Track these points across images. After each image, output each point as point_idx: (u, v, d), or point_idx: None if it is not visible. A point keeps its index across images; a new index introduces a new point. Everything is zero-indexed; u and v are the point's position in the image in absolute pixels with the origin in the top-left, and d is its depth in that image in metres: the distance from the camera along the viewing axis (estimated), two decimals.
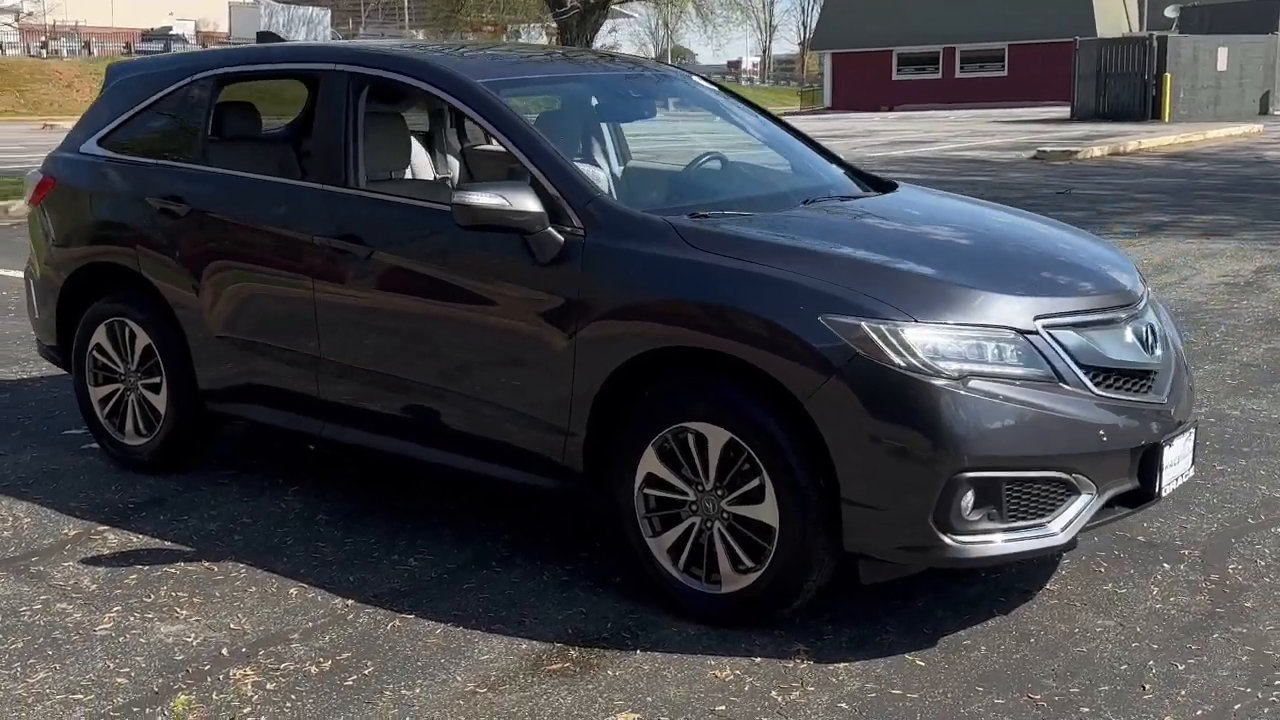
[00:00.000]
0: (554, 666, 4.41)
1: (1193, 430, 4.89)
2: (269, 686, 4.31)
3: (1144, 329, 4.77)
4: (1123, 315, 4.73)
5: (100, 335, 6.42)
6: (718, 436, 4.58)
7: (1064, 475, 4.42)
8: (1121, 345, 4.67)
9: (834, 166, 6.21)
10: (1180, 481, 4.84)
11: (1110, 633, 4.67)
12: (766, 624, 4.66)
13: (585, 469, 4.93)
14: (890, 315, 4.34)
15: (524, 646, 4.56)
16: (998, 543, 4.39)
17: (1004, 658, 4.48)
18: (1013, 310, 4.47)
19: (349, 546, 5.48)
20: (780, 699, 4.19)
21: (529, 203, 4.84)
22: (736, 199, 5.54)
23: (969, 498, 4.31)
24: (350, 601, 4.95)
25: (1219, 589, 5.02)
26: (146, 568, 5.28)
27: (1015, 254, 5.08)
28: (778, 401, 4.44)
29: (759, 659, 4.46)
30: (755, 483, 4.53)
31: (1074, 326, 4.55)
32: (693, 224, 4.86)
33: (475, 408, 5.18)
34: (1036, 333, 4.45)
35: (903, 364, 4.26)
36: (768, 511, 4.52)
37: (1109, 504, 4.62)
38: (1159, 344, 4.85)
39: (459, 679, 4.34)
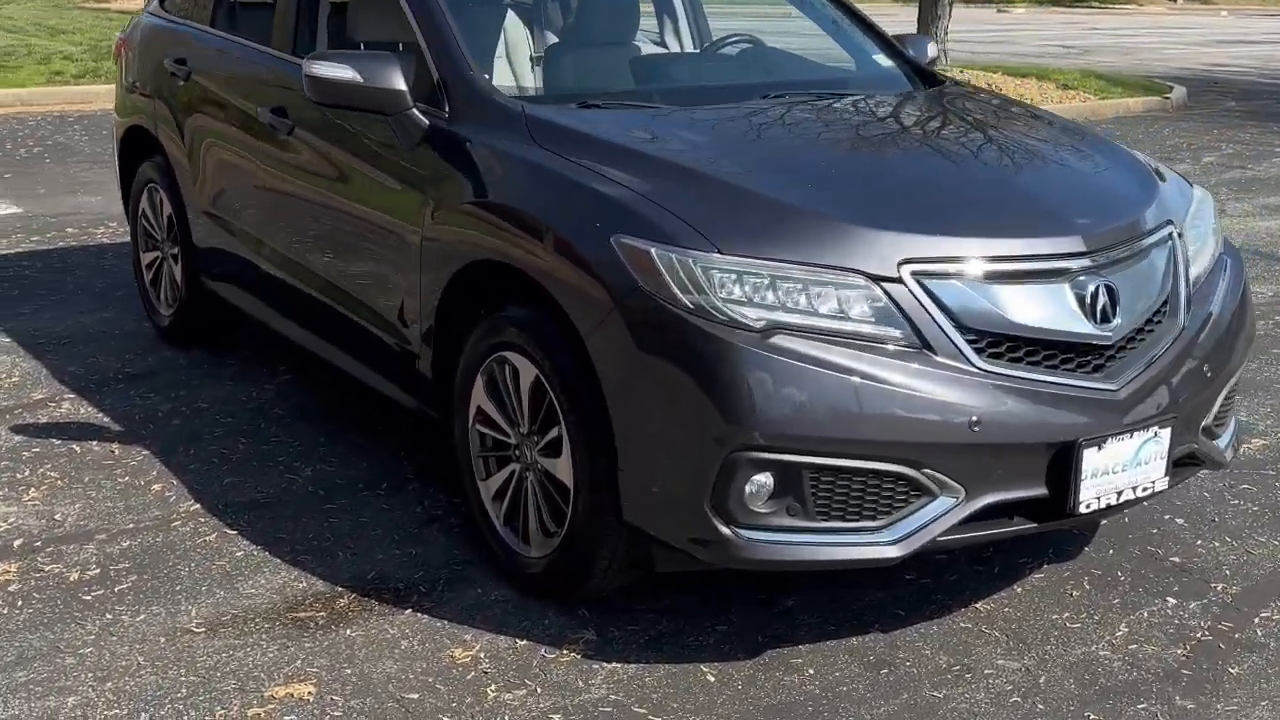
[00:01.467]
0: (302, 614, 3.85)
1: (1169, 430, 3.63)
2: (12, 588, 3.98)
3: (1098, 288, 3.55)
4: (1066, 267, 3.55)
5: (143, 201, 6.27)
6: (527, 372, 3.82)
7: (907, 470, 3.37)
8: (1048, 307, 3.50)
9: (887, 60, 5.12)
10: (1132, 497, 3.63)
11: (998, 679, 3.60)
12: (570, 600, 3.88)
13: (434, 393, 4.27)
14: (687, 241, 3.41)
15: (301, 585, 4.02)
16: (801, 546, 3.41)
17: (825, 687, 3.53)
18: (867, 249, 3.42)
19: (266, 447, 5.08)
20: (493, 696, 3.46)
21: (388, 79, 4.16)
22: (677, 88, 4.64)
23: (759, 483, 3.36)
24: (195, 507, 4.55)
25: (1210, 646, 3.78)
26: (56, 443, 5.08)
27: (942, 179, 3.94)
28: (575, 337, 3.62)
29: (522, 643, 3.71)
30: (555, 433, 3.74)
31: (964, 277, 3.44)
32: (543, 114, 4.04)
33: (355, 307, 4.62)
34: (899, 281, 3.38)
35: (690, 305, 3.34)
36: (564, 468, 3.73)
37: (1003, 512, 3.50)
38: (1122, 311, 3.60)
39: (192, 613, 3.86)
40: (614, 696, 3.46)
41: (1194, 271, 3.95)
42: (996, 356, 3.44)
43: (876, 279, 3.38)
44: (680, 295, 3.35)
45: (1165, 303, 3.77)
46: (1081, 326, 3.51)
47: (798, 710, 3.43)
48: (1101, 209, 3.79)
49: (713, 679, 3.56)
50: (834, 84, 4.81)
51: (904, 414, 3.33)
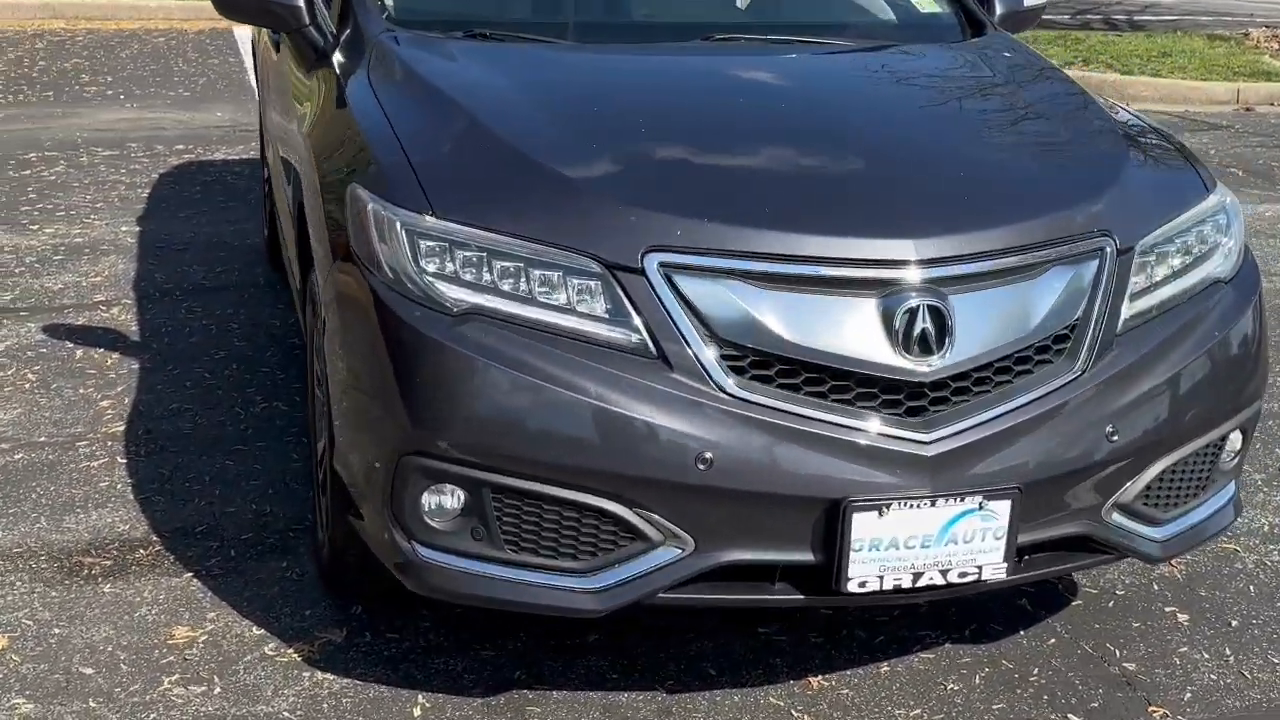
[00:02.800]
0: (86, 560, 3.62)
1: (1007, 504, 2.76)
2: None
3: (917, 309, 2.72)
4: (878, 277, 2.74)
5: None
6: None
7: (616, 508, 2.71)
8: (842, 327, 2.72)
9: (940, 6, 4.23)
10: (942, 582, 2.80)
11: None
12: (353, 593, 3.44)
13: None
14: (405, 199, 2.86)
15: (121, 529, 3.80)
16: (487, 579, 2.82)
17: None
18: (610, 230, 2.75)
19: (249, 377, 4.91)
20: (164, 689, 3.09)
21: None
22: (599, 22, 4.00)
23: (440, 497, 2.80)
24: (117, 430, 4.41)
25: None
26: (63, 346, 5.09)
27: (795, 157, 3.14)
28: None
29: (260, 632, 3.33)
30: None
31: (731, 278, 2.71)
32: (390, 44, 3.54)
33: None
34: (640, 272, 2.71)
35: (390, 274, 2.81)
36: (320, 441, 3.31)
37: (762, 574, 2.79)
38: (958, 342, 2.75)
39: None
40: (286, 714, 3.00)
41: (1147, 301, 2.99)
42: (763, 380, 2.70)
43: (613, 267, 2.71)
44: (383, 262, 2.81)
45: (1057, 339, 2.86)
46: (883, 355, 2.71)
47: None
48: (971, 210, 2.91)
49: (417, 714, 3.02)
50: (819, 29, 3.99)
51: (614, 439, 2.67)
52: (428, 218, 2.78)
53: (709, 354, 2.68)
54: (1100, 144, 3.31)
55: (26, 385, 4.69)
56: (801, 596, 2.79)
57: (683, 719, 3.02)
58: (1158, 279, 3.02)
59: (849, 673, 3.20)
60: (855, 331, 2.70)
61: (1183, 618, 3.50)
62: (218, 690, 3.07)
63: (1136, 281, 2.98)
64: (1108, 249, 2.93)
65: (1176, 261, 3.07)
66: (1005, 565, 2.80)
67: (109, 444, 4.26)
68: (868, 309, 2.71)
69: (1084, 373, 2.85)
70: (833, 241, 2.74)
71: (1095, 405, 2.84)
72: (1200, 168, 3.30)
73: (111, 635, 3.26)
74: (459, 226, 2.77)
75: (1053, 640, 3.37)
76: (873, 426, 2.70)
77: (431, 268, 2.75)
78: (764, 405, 2.68)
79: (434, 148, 3.00)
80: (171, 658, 3.18)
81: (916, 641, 3.34)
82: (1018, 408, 2.78)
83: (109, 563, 3.58)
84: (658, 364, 2.68)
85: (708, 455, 2.65)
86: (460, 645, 3.25)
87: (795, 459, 2.67)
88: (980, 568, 2.78)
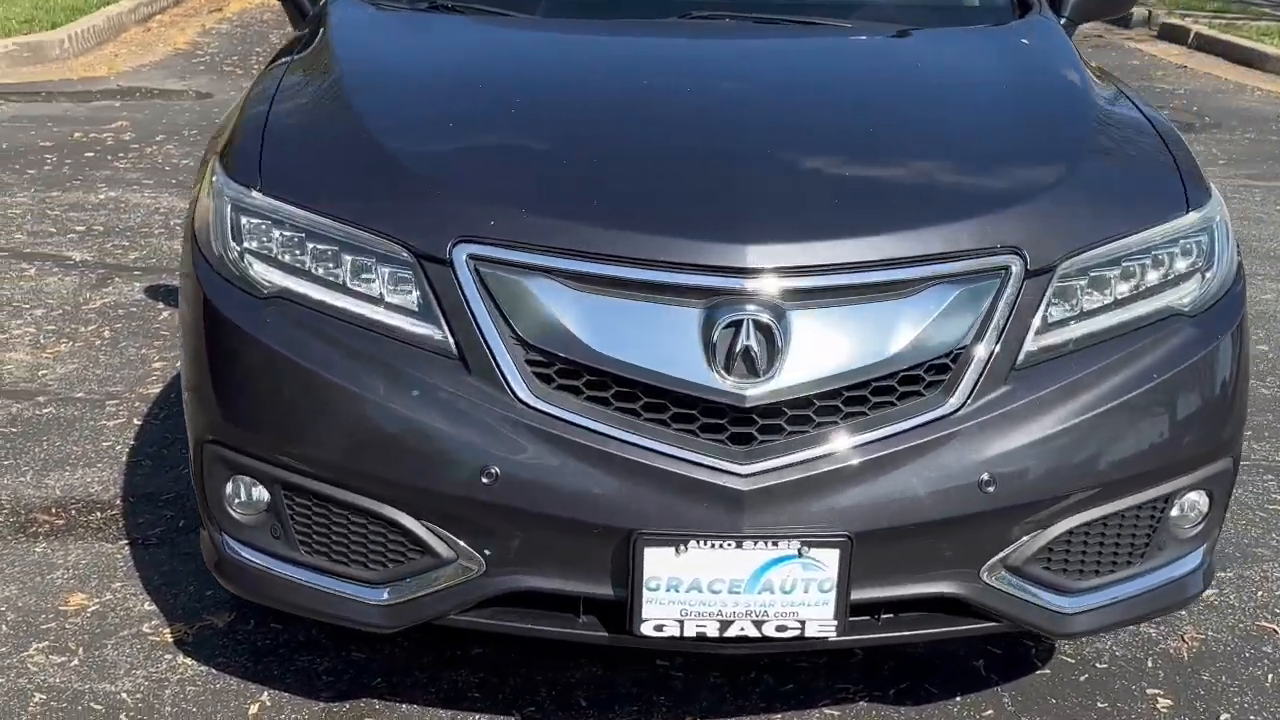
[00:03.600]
0: (35, 519, 3.64)
1: (836, 553, 2.40)
2: None
3: (743, 325, 2.38)
4: (707, 286, 2.41)
5: None
6: None
7: (402, 518, 2.51)
8: (661, 339, 2.42)
9: None
10: (757, 634, 2.46)
11: None
12: None
13: None
14: (239, 173, 2.73)
15: (86, 490, 3.82)
16: (286, 581, 2.67)
17: None
18: (424, 216, 2.54)
19: None
20: (28, 655, 3.07)
21: None
22: None
23: (244, 489, 2.66)
24: (142, 392, 4.47)
25: None
26: (155, 308, 5.19)
27: (682, 151, 2.79)
28: None
29: (149, 608, 3.28)
30: None
31: (545, 276, 2.45)
32: (340, 13, 3.40)
33: None
34: (447, 264, 2.49)
35: (216, 251, 2.70)
36: None
37: (568, 605, 2.54)
38: (791, 365, 2.40)
39: None
40: (124, 697, 2.93)
41: (1065, 333, 2.55)
42: (572, 392, 2.43)
43: (422, 257, 2.49)
44: (211, 238, 2.69)
45: (933, 368, 2.47)
46: (697, 374, 2.39)
47: None
48: (832, 216, 2.52)
49: (253, 711, 2.90)
50: (841, 8, 3.60)
51: (400, 445, 2.46)
52: (254, 193, 2.63)
53: (510, 359, 2.42)
54: (1047, 148, 2.83)
55: (98, 342, 4.80)
56: (606, 635, 2.50)
57: None
58: (1088, 307, 2.57)
59: None
60: (671, 345, 2.39)
61: (1164, 704, 3.01)
62: (75, 663, 3.02)
63: (1055, 309, 2.54)
64: (1013, 268, 2.50)
65: (1123, 287, 2.60)
66: (835, 623, 2.43)
67: (136, 405, 4.30)
68: (689, 321, 2.39)
69: (959, 410, 2.44)
70: (657, 242, 2.43)
71: (968, 449, 2.43)
72: (1191, 181, 2.79)
73: (13, 595, 3.26)
74: (280, 204, 2.60)
75: (990, 712, 2.95)
76: (679, 452, 2.38)
77: (253, 245, 2.60)
78: (561, 419, 2.40)
79: (291, 125, 2.85)
80: (53, 625, 3.16)
81: (830, 695, 2.99)
82: (863, 444, 2.41)
83: (60, 522, 3.60)
84: (457, 366, 2.45)
85: (494, 469, 2.40)
86: (337, 644, 3.10)
87: (586, 481, 2.39)
88: (803, 622, 2.43)
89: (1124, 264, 2.60)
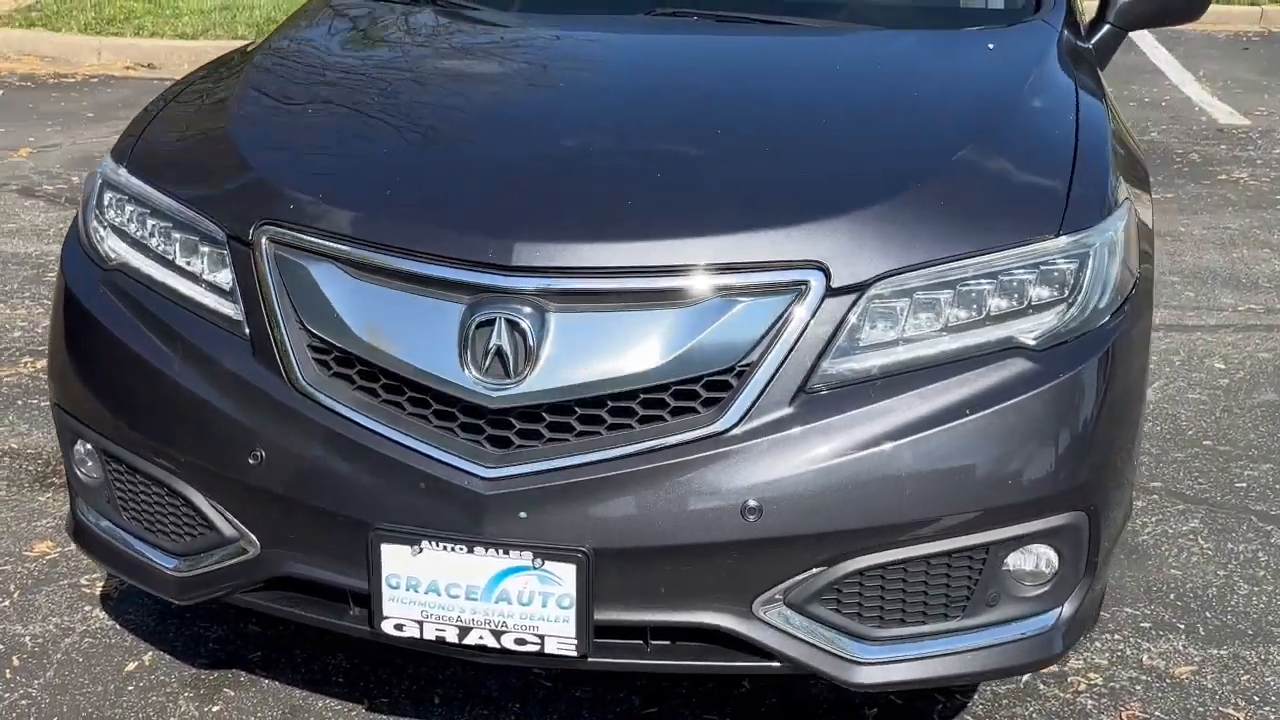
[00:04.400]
0: (55, 470, 3.91)
1: (573, 568, 2.30)
2: None
3: (495, 323, 2.30)
4: (473, 282, 2.34)
5: None
6: None
7: (194, 494, 2.57)
8: (422, 331, 2.38)
9: None
10: (496, 645, 2.37)
11: None
12: None
13: None
14: (120, 155, 2.88)
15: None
16: (117, 549, 2.77)
17: None
18: (243, 198, 2.60)
19: None
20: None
21: None
22: None
23: (81, 452, 2.80)
24: None
25: None
26: None
27: (557, 154, 2.70)
28: None
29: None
30: None
31: (334, 262, 2.46)
32: (321, 7, 3.50)
33: None
34: (250, 244, 2.54)
35: (80, 222, 2.87)
36: None
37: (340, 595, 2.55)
38: (547, 368, 2.31)
39: None
40: (27, 641, 3.11)
41: (874, 358, 2.35)
42: (345, 379, 2.43)
43: (231, 238, 2.55)
44: (82, 209, 2.84)
45: (711, 385, 2.32)
46: (449, 371, 2.34)
47: None
48: (610, 219, 2.39)
49: (131, 668, 3.03)
50: (824, 6, 3.40)
51: (185, 419, 2.52)
52: (121, 169, 2.75)
53: (291, 342, 2.43)
54: (904, 161, 2.58)
55: None
56: (369, 630, 2.47)
57: None
58: (907, 333, 2.35)
59: None
60: (430, 339, 2.34)
61: None
62: (5, 604, 3.22)
63: (864, 330, 2.33)
64: (812, 284, 2.31)
65: (956, 313, 2.36)
66: (576, 641, 2.31)
67: None
68: (451, 316, 2.33)
69: (730, 430, 2.28)
70: (425, 233, 2.38)
71: (733, 473, 2.27)
72: (1081, 205, 2.49)
73: None
74: (136, 180, 2.71)
75: None
76: (427, 450, 2.33)
77: (109, 218, 2.73)
78: (328, 407, 2.39)
79: (179, 111, 2.97)
80: (8, 568, 3.37)
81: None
82: (617, 458, 2.28)
83: (33, 468, 3.82)
84: (247, 346, 2.48)
85: (260, 451, 2.41)
86: (240, 616, 3.17)
87: (337, 470, 2.37)
88: (542, 638, 2.32)
89: (959, 287, 2.36)
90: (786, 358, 2.28)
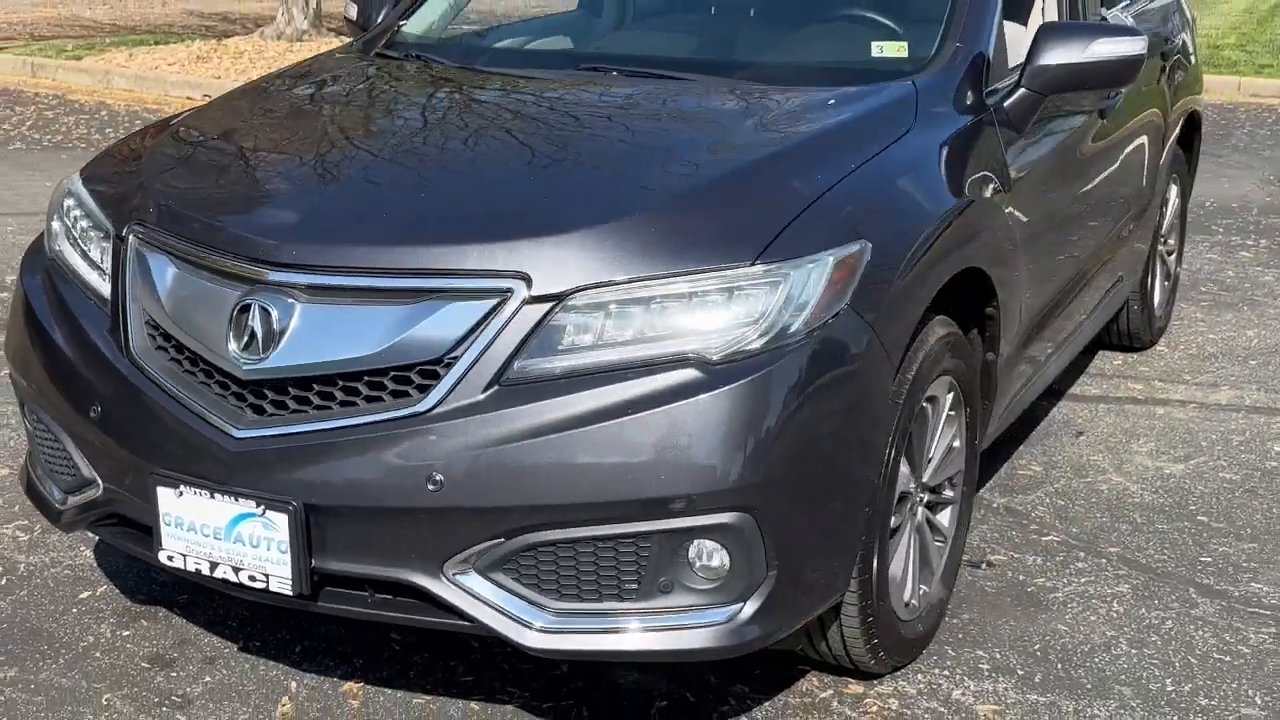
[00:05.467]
0: None
1: (285, 517, 2.72)
2: None
3: (251, 308, 2.77)
4: (242, 272, 2.82)
5: None
6: None
7: (66, 441, 3.14)
8: (205, 310, 2.88)
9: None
10: (235, 580, 2.81)
11: None
12: None
13: None
14: (83, 169, 3.54)
15: None
16: (35, 485, 3.38)
17: None
18: (126, 204, 3.18)
19: None
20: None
21: None
22: (509, 50, 4.09)
23: (22, 409, 3.46)
24: None
25: None
26: None
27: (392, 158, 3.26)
28: None
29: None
30: None
31: (163, 250, 3.02)
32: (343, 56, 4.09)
33: None
34: (123, 239, 3.14)
35: (48, 225, 3.52)
36: None
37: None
38: (290, 349, 2.74)
39: None
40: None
41: (563, 360, 2.66)
42: (162, 350, 2.97)
43: (116, 235, 3.15)
44: (48, 214, 3.49)
45: (423, 373, 2.70)
46: (218, 346, 2.83)
47: None
48: (359, 227, 2.83)
49: (84, 596, 3.65)
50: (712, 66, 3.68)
51: (57, 377, 3.11)
52: (76, 179, 3.39)
53: (131, 318, 2.97)
54: (638, 191, 2.87)
55: None
56: (155, 560, 2.94)
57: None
58: (598, 338, 2.64)
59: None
60: (213, 320, 2.83)
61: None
62: (24, 538, 3.88)
63: (558, 334, 2.65)
64: (515, 292, 2.66)
65: (647, 325, 2.64)
66: (291, 581, 2.72)
67: None
68: (228, 301, 2.82)
69: (429, 411, 2.65)
70: (221, 232, 2.88)
71: (425, 448, 2.62)
72: (789, 237, 2.71)
73: None
74: (82, 188, 3.34)
75: None
76: (203, 411, 2.80)
77: (58, 220, 3.35)
78: (145, 371, 2.92)
79: (135, 142, 3.56)
80: (37, 514, 4.05)
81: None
82: (336, 428, 2.69)
83: None
84: (108, 320, 3.05)
85: (97, 406, 2.97)
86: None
87: (142, 424, 2.89)
88: (268, 577, 2.74)
89: (651, 303, 2.64)
90: (484, 352, 2.62)
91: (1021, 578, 3.75)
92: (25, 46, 14.82)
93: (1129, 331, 5.43)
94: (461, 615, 2.67)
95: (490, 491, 2.58)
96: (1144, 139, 4.77)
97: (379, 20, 4.27)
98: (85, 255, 3.17)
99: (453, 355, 2.63)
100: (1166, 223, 5.63)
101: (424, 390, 2.64)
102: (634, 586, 2.65)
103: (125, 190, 3.17)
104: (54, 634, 3.38)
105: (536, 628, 2.65)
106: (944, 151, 3.23)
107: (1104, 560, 3.85)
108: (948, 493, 3.40)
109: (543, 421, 2.57)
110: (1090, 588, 3.70)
